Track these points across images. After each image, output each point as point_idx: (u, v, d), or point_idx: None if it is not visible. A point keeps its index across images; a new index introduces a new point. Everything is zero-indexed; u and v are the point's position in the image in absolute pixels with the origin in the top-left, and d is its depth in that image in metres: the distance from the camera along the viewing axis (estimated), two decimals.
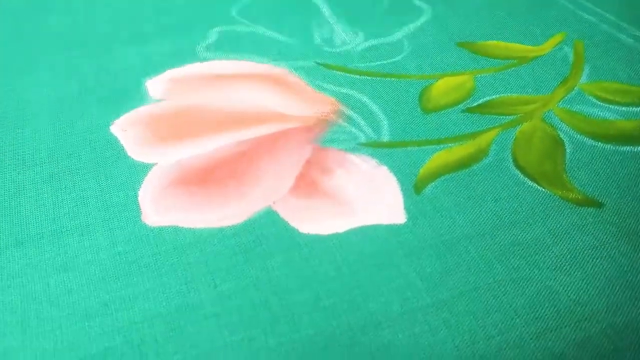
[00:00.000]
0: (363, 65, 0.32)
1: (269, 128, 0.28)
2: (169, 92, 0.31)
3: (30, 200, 0.25)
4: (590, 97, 0.30)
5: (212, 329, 0.21)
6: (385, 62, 0.33)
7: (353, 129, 0.28)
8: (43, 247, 0.23)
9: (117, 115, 0.29)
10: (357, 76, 0.32)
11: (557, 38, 0.35)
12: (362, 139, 0.28)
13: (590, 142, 0.28)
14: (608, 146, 0.28)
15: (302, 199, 0.25)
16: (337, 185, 0.26)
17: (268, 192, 0.25)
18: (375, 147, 0.27)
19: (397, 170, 0.26)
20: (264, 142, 0.27)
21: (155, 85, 0.31)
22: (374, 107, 0.30)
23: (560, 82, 0.31)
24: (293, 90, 0.31)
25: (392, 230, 0.24)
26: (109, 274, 0.22)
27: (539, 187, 0.26)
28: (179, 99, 0.30)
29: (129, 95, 0.30)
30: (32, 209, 0.25)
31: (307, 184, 0.26)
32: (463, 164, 0.27)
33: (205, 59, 0.33)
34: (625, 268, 0.22)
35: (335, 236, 0.24)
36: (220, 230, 0.24)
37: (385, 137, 0.28)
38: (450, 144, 0.28)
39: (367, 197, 0.25)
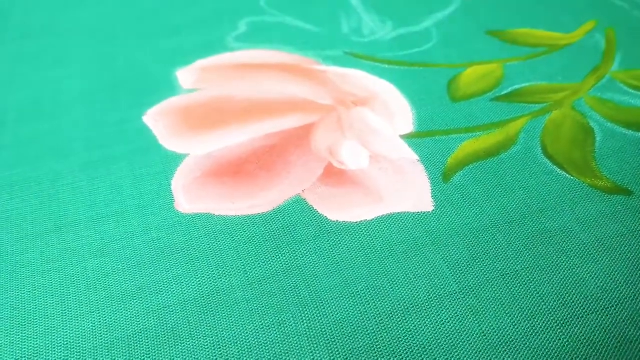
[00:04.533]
0: (391, 54, 0.33)
1: (297, 118, 0.28)
2: (199, 82, 0.31)
3: (67, 188, 0.26)
4: (621, 85, 0.30)
5: (243, 314, 0.21)
6: (413, 51, 0.33)
7: (380, 118, 0.29)
8: (80, 232, 0.24)
9: (149, 106, 0.30)
10: (386, 65, 0.32)
11: (588, 25, 0.34)
12: (390, 127, 0.28)
13: (620, 130, 0.28)
14: (639, 134, 0.27)
15: (331, 187, 0.25)
16: (365, 173, 0.26)
17: (297, 181, 0.26)
18: (403, 137, 0.28)
19: (426, 159, 0.27)
20: (293, 135, 0.28)
21: (185, 76, 0.31)
22: (402, 96, 0.30)
23: (592, 70, 0.31)
24: (321, 79, 0.31)
25: (420, 218, 0.24)
26: (144, 259, 0.23)
27: (567, 175, 0.26)
28: (209, 89, 0.31)
29: (160, 85, 0.31)
30: (70, 196, 0.25)
31: (335, 172, 0.26)
32: (491, 153, 0.27)
33: (234, 49, 0.34)
34: None
35: (364, 224, 0.24)
36: (251, 217, 0.24)
37: (414, 126, 0.28)
38: (478, 133, 0.28)
39: (395, 185, 0.25)
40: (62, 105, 0.30)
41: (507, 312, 0.21)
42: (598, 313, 0.21)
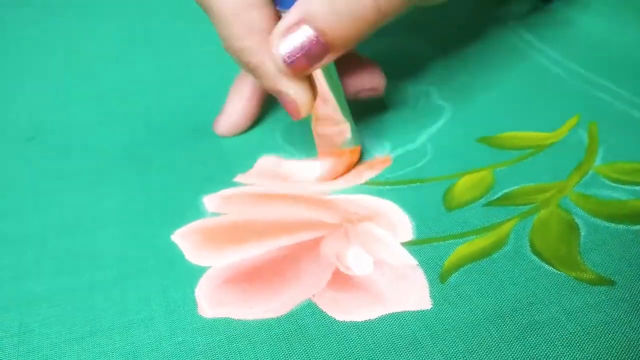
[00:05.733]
0: (391, 175, 0.36)
1: (308, 234, 0.32)
2: (223, 207, 0.34)
3: (101, 297, 0.29)
4: (604, 180, 0.33)
5: None
6: (411, 169, 0.36)
7: (383, 229, 0.31)
8: (113, 337, 0.27)
9: (178, 226, 0.33)
10: (387, 187, 0.35)
11: (572, 121, 0.37)
12: (392, 237, 0.31)
13: (603, 223, 0.30)
14: (620, 226, 0.30)
15: (339, 292, 0.28)
16: (369, 278, 0.29)
17: (308, 286, 0.29)
18: (404, 244, 0.30)
19: (424, 263, 0.29)
20: (305, 246, 0.31)
21: (210, 201, 0.35)
22: (402, 210, 0.33)
23: (575, 167, 0.34)
24: (329, 205, 0.34)
25: (419, 315, 0.26)
26: None
27: (554, 270, 0.28)
28: (231, 213, 0.34)
29: (188, 209, 0.34)
30: (103, 305, 0.28)
31: (342, 278, 0.29)
32: (484, 254, 0.29)
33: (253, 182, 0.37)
34: (636, 342, 0.24)
35: (368, 323, 0.26)
36: (266, 321, 0.27)
37: (413, 235, 0.31)
38: (472, 237, 0.30)
39: (397, 287, 0.28)
40: (98, 223, 0.34)
41: None
42: None
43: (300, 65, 0.29)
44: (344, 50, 0.29)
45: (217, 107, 0.41)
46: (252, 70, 0.31)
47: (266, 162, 0.38)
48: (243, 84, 0.40)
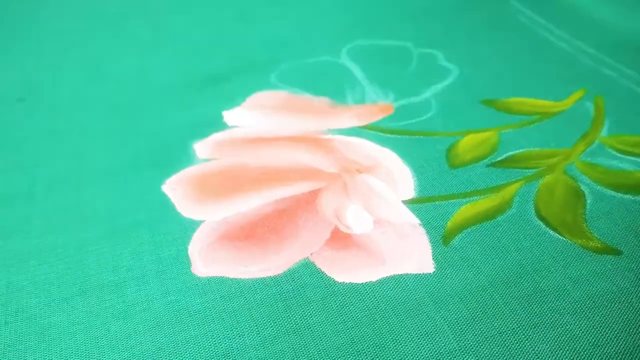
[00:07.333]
0: (393, 124, 0.35)
1: (305, 185, 0.30)
2: (214, 153, 0.33)
3: (91, 254, 0.28)
4: (609, 150, 0.32)
5: None
6: (414, 120, 0.35)
7: (383, 185, 0.31)
8: (104, 296, 0.26)
9: (168, 176, 0.32)
10: (389, 135, 0.34)
11: (579, 94, 0.37)
12: (393, 193, 0.30)
13: (609, 192, 0.29)
14: (627, 196, 0.29)
15: (338, 251, 0.27)
16: (369, 237, 0.28)
17: (306, 245, 0.28)
18: (405, 202, 0.29)
19: (426, 223, 0.28)
20: (302, 200, 0.30)
21: (201, 148, 0.34)
22: (404, 164, 0.32)
23: (581, 136, 0.33)
24: (327, 147, 0.33)
25: (421, 279, 0.26)
26: (163, 321, 0.25)
27: (560, 237, 0.27)
28: (223, 159, 0.33)
29: (178, 157, 0.33)
30: (94, 262, 0.27)
31: (342, 236, 0.28)
32: (488, 216, 0.28)
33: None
34: None
35: (369, 285, 0.26)
36: (263, 280, 0.26)
37: (415, 192, 0.30)
38: (475, 197, 0.30)
39: (398, 248, 0.27)
40: (86, 177, 0.32)
41: None
42: None
43: None
44: None
45: (211, 67, 0.40)
46: None
47: (260, 96, 0.37)
48: None
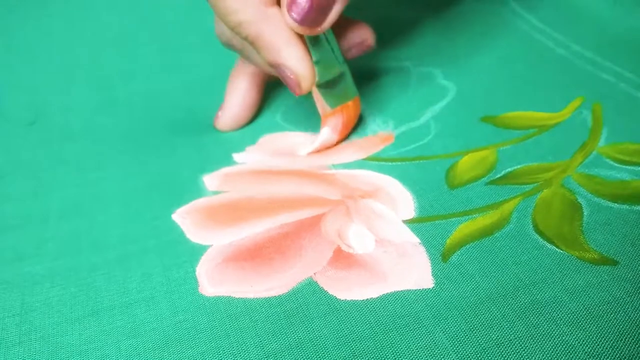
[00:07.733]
0: (394, 152, 0.36)
1: (309, 211, 0.31)
2: (223, 185, 0.34)
3: (102, 277, 0.29)
4: (607, 160, 0.32)
5: None
6: (414, 145, 0.36)
7: (384, 207, 0.31)
8: (115, 316, 0.27)
9: (178, 206, 0.33)
10: (390, 163, 0.35)
11: (576, 102, 0.37)
12: (394, 214, 0.31)
13: (606, 203, 0.30)
14: (624, 206, 0.29)
15: (340, 270, 0.28)
16: (371, 256, 0.28)
17: (309, 264, 0.28)
18: (406, 222, 0.30)
19: (426, 242, 0.29)
20: (306, 223, 0.31)
21: (211, 180, 0.35)
22: (405, 187, 0.33)
23: (579, 147, 0.34)
24: (330, 180, 0.34)
25: (421, 294, 0.26)
26: (171, 339, 0.25)
27: (557, 249, 0.28)
28: (231, 191, 0.34)
29: (189, 188, 0.34)
30: (105, 284, 0.28)
31: (344, 256, 0.29)
32: (486, 232, 0.29)
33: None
34: (638, 322, 0.24)
35: (370, 301, 0.26)
36: (268, 299, 0.27)
37: (415, 213, 0.31)
38: (475, 215, 0.30)
39: (398, 266, 0.28)
40: (99, 205, 0.34)
41: None
42: None
43: (311, 18, 0.30)
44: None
45: (219, 93, 0.41)
46: (252, 42, 0.31)
47: (268, 138, 0.38)
48: (239, 77, 0.40)
